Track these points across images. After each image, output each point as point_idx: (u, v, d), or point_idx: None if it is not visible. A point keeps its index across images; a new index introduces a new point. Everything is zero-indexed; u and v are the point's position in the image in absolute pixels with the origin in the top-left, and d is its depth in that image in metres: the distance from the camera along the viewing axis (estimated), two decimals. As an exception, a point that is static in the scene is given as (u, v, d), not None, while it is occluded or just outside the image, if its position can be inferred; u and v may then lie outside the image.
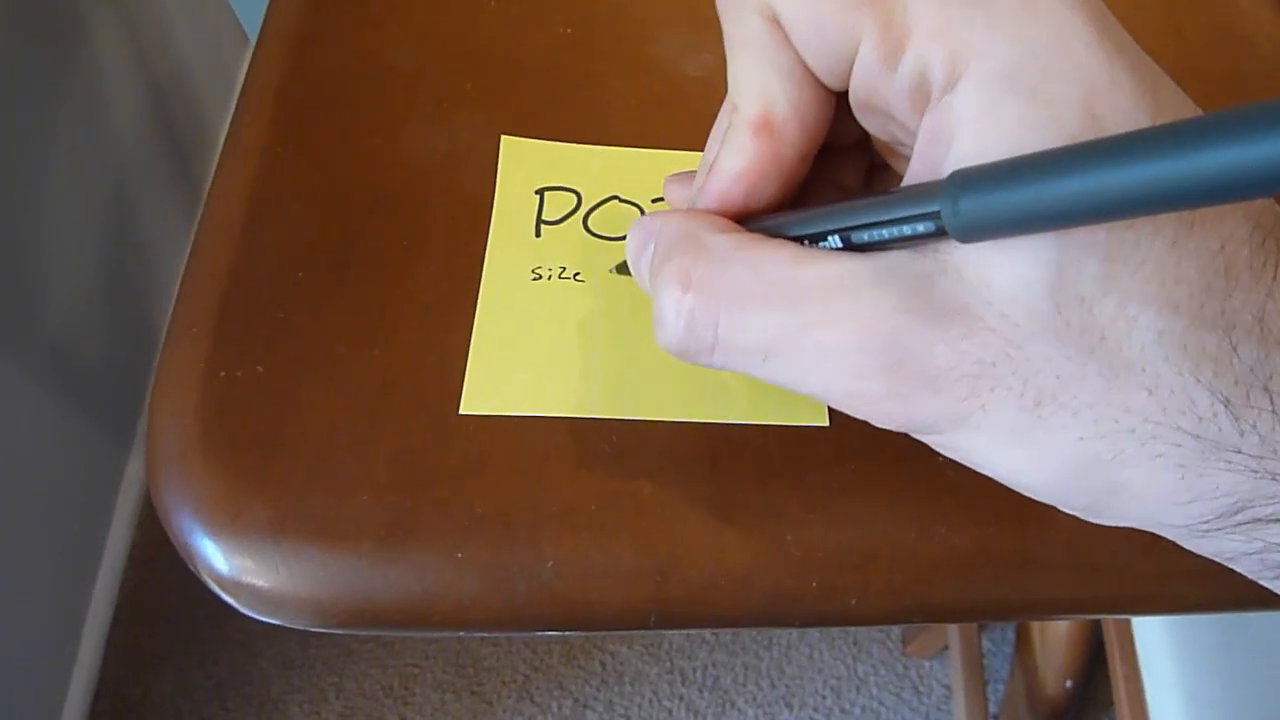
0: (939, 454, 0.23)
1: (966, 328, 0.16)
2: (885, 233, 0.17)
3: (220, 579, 0.24)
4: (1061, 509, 0.18)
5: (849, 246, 0.18)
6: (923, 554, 0.23)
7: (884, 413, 0.18)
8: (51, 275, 1.00)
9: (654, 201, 0.27)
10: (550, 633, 0.23)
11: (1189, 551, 0.22)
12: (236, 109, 0.31)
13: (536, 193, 0.28)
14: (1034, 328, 0.16)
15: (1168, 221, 0.15)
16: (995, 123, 0.16)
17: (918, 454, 0.24)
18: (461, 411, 0.24)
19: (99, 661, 1.05)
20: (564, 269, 0.26)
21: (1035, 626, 0.91)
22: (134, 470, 1.17)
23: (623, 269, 0.26)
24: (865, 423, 0.24)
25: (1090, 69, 0.15)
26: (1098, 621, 0.74)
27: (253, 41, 0.92)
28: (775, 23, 0.18)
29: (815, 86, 0.19)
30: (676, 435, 0.24)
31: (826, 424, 0.24)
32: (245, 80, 0.32)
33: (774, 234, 0.19)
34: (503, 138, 0.29)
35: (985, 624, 1.07)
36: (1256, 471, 0.16)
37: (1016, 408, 0.16)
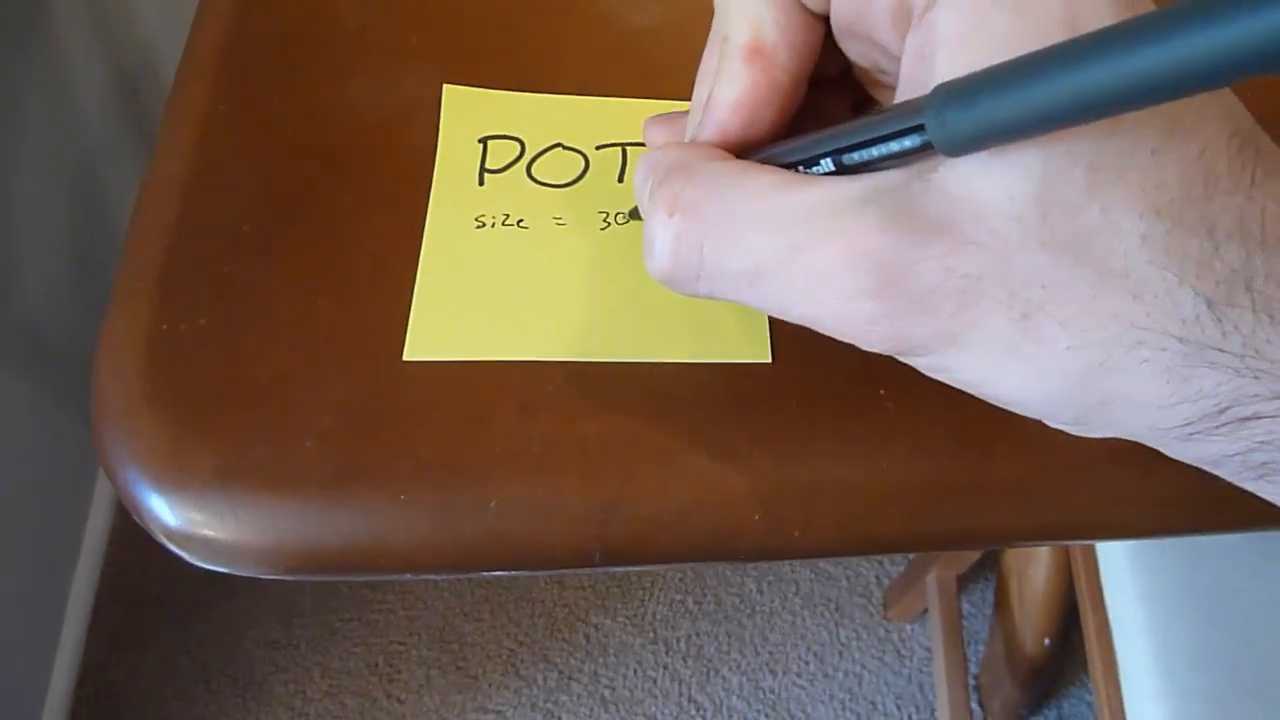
0: (880, 389, 0.23)
1: (953, 243, 0.16)
2: (875, 151, 0.17)
3: (169, 532, 0.24)
4: (1050, 424, 0.18)
5: (840, 170, 0.18)
6: (867, 487, 0.23)
7: (874, 335, 0.18)
8: (22, 260, 0.99)
9: (598, 148, 0.27)
10: (498, 572, 0.23)
11: (1129, 477, 0.23)
12: (180, 67, 0.31)
13: (479, 141, 0.27)
14: (1020, 238, 0.16)
15: (1149, 130, 0.15)
16: (978, 37, 0.16)
17: (860, 390, 0.24)
18: (405, 358, 0.24)
19: (81, 645, 1.05)
20: (507, 216, 0.26)
21: (1014, 588, 0.92)
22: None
23: (635, 214, 0.26)
24: (807, 360, 0.24)
25: None
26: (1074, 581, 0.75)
27: None
28: None
29: (802, 11, 0.19)
30: (621, 376, 0.24)
31: (769, 361, 0.24)
32: (189, 39, 0.32)
33: (768, 164, 0.19)
34: (445, 87, 0.29)
35: (964, 586, 1.08)
36: (1239, 371, 0.16)
37: (1005, 321, 0.16)
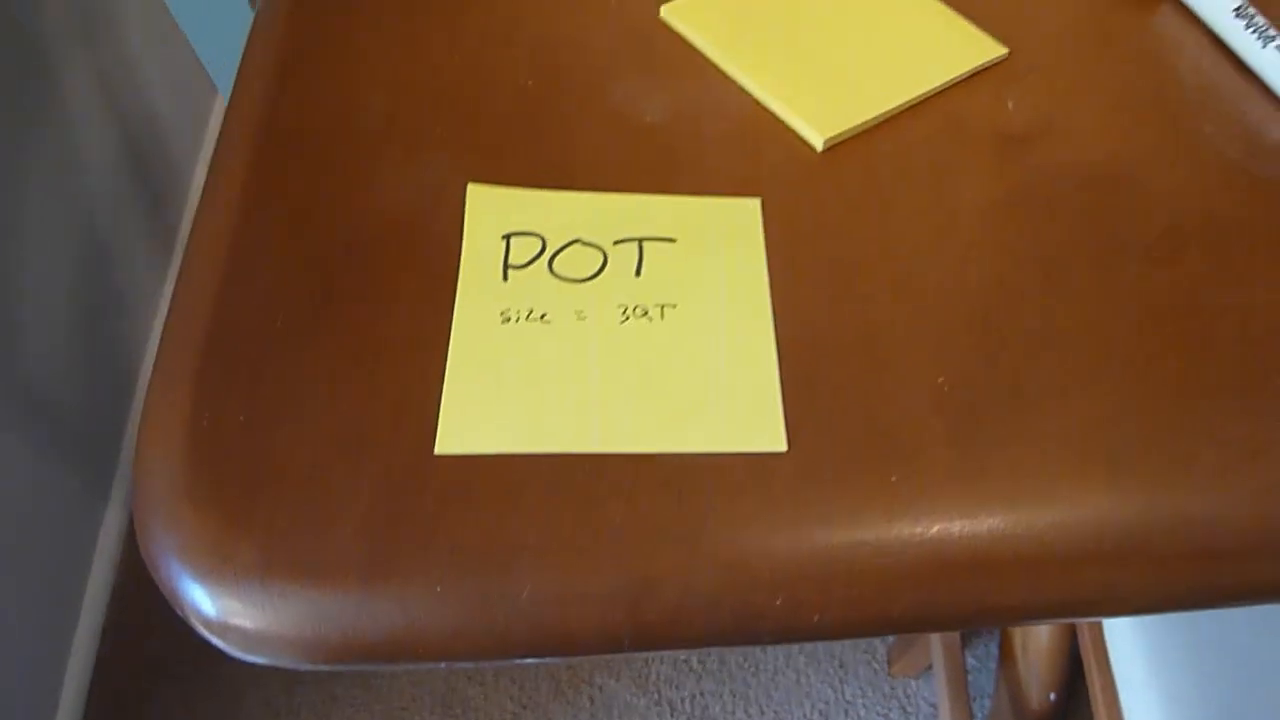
0: (891, 474, 0.25)
1: None
2: None
3: (208, 622, 0.25)
4: None
5: None
6: (880, 567, 0.24)
7: None
8: (27, 322, 1.00)
9: (615, 243, 0.29)
10: (530, 660, 0.24)
11: (1134, 556, 0.24)
12: (212, 162, 0.32)
13: (503, 238, 0.29)
14: None
15: None
16: None
17: (870, 474, 0.25)
18: (437, 452, 0.25)
19: (82, 706, 1.04)
20: (531, 311, 0.27)
21: (1018, 641, 0.92)
22: (114, 514, 1.17)
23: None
24: (820, 447, 0.25)
25: None
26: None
27: (219, 89, 0.93)
28: None
29: None
30: (644, 465, 0.25)
31: (784, 449, 0.25)
32: (220, 134, 0.33)
33: None
34: (469, 186, 0.30)
35: (969, 641, 1.08)
36: None
37: None
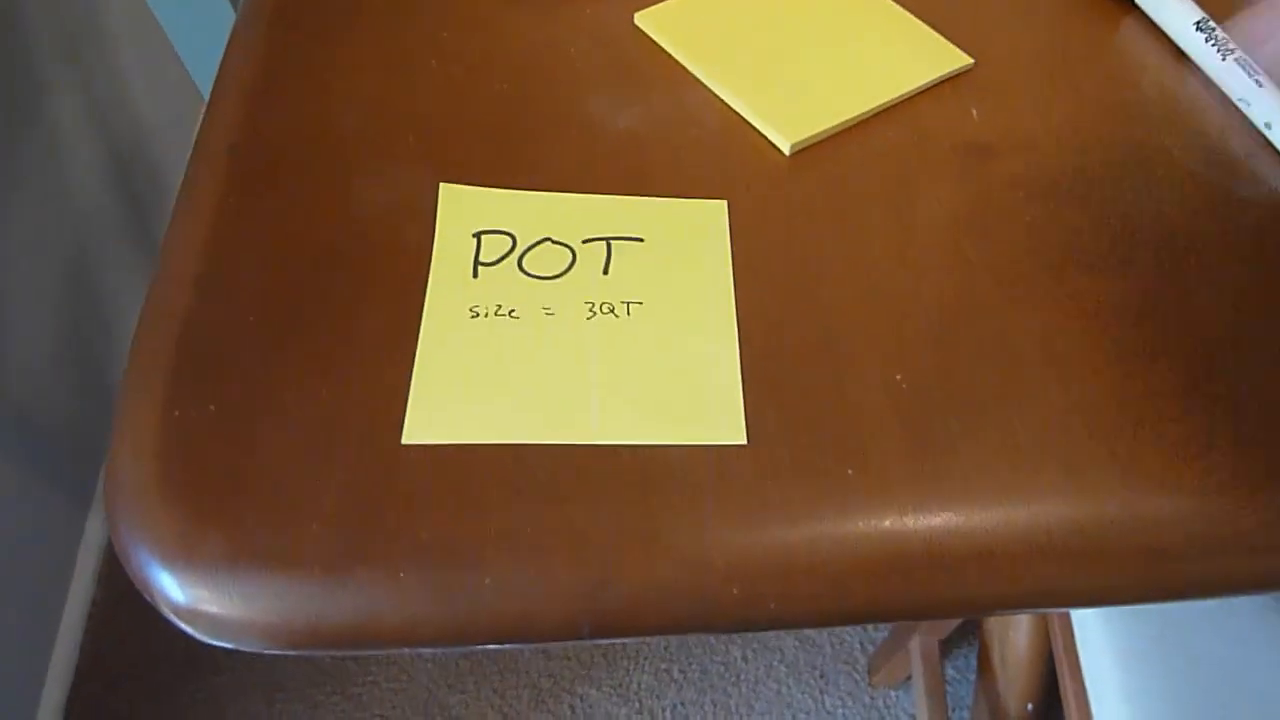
0: (848, 467, 0.25)
1: None
2: None
3: (177, 609, 0.25)
4: None
5: None
6: (836, 560, 0.24)
7: None
8: (10, 334, 1.00)
9: (584, 242, 0.29)
10: (492, 646, 0.24)
11: (1089, 547, 0.24)
12: (189, 165, 0.33)
13: (474, 236, 0.29)
14: None
15: None
16: None
17: (828, 469, 0.26)
18: (404, 441, 0.26)
19: (61, 718, 1.03)
20: (499, 306, 0.28)
21: (996, 653, 0.92)
22: (94, 528, 1.16)
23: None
24: (779, 442, 0.26)
25: None
26: (1050, 642, 0.76)
27: (206, 99, 0.94)
28: None
29: None
30: (608, 457, 0.26)
31: (745, 443, 0.26)
32: (198, 138, 0.34)
33: None
34: (441, 185, 0.31)
35: (948, 652, 1.08)
36: None
37: None
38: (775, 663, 1.06)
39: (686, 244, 0.30)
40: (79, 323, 1.14)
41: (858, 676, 1.06)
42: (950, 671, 1.07)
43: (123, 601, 1.14)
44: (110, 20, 1.23)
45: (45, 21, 1.08)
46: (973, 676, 1.03)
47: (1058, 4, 0.41)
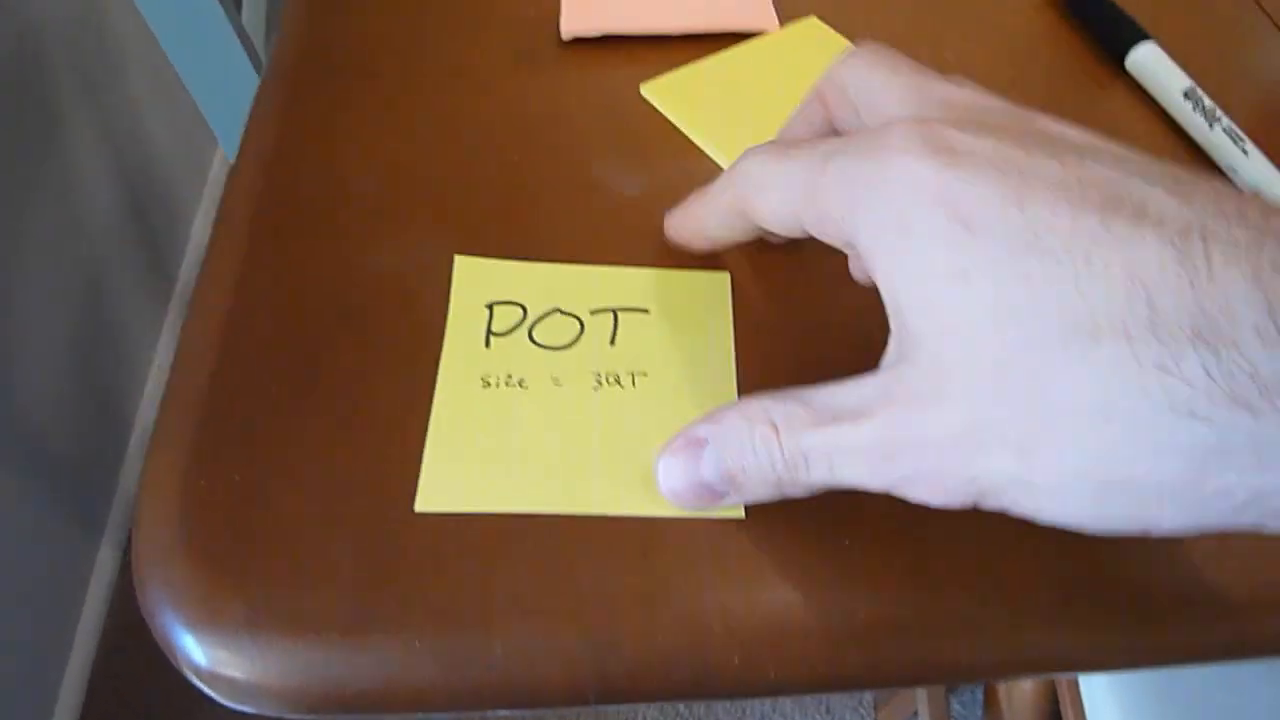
0: (845, 538, 0.26)
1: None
2: None
3: (199, 671, 0.26)
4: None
5: None
6: (832, 628, 0.25)
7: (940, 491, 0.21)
8: (23, 364, 1.02)
9: (592, 313, 0.31)
10: (503, 711, 0.25)
11: (1080, 613, 0.25)
12: (213, 232, 0.34)
13: (486, 306, 0.31)
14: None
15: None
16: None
17: (824, 538, 0.27)
18: (416, 509, 0.27)
19: (69, 757, 1.04)
20: (510, 376, 0.29)
21: (1001, 689, 0.92)
22: (105, 558, 1.17)
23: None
24: (777, 513, 0.27)
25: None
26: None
27: (220, 141, 0.96)
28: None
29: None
30: (611, 527, 0.27)
31: (743, 516, 0.27)
32: (221, 205, 0.35)
33: None
34: (456, 258, 0.32)
35: (954, 688, 1.09)
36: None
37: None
38: (782, 697, 1.07)
39: (690, 315, 0.31)
40: (92, 354, 1.15)
41: (864, 712, 1.06)
42: (957, 708, 1.07)
43: (133, 631, 1.15)
44: (127, 58, 1.26)
45: (63, 55, 1.10)
46: (979, 712, 1.03)
47: (1046, 68, 0.42)
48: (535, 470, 0.27)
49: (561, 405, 0.29)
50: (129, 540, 1.20)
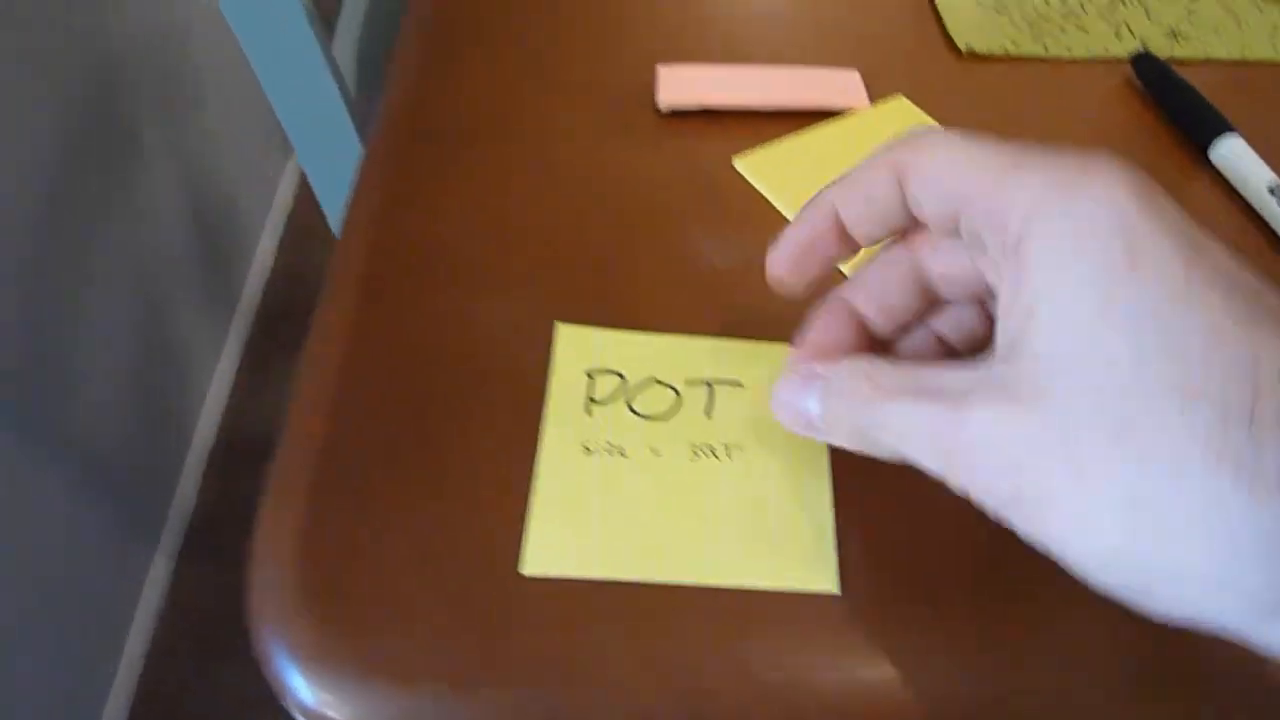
0: (938, 614, 0.27)
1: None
2: None
3: (306, 711, 0.28)
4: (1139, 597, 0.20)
5: None
6: (926, 706, 0.26)
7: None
8: (90, 376, 1.04)
9: (687, 383, 0.32)
10: (594, 771, 0.27)
11: (1167, 696, 0.26)
12: (323, 294, 0.36)
13: (587, 374, 0.32)
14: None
15: None
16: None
17: (918, 615, 0.28)
18: (525, 573, 0.28)
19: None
20: (609, 444, 0.30)
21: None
22: (158, 568, 1.20)
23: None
24: (870, 588, 0.28)
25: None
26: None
27: (294, 156, 0.99)
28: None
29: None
30: (709, 597, 0.28)
31: (838, 592, 0.28)
32: (330, 267, 0.37)
33: None
34: (558, 325, 0.34)
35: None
36: None
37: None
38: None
39: None
40: (154, 368, 1.18)
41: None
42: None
43: (183, 638, 1.17)
44: (203, 82, 1.30)
45: (142, 82, 1.14)
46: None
47: (1129, 157, 0.43)
48: (637, 539, 0.29)
49: (661, 475, 0.30)
50: (182, 548, 1.23)
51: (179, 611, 1.18)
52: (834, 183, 0.27)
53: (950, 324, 0.28)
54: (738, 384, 0.32)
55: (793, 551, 0.28)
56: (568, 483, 0.30)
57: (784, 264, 0.29)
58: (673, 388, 0.32)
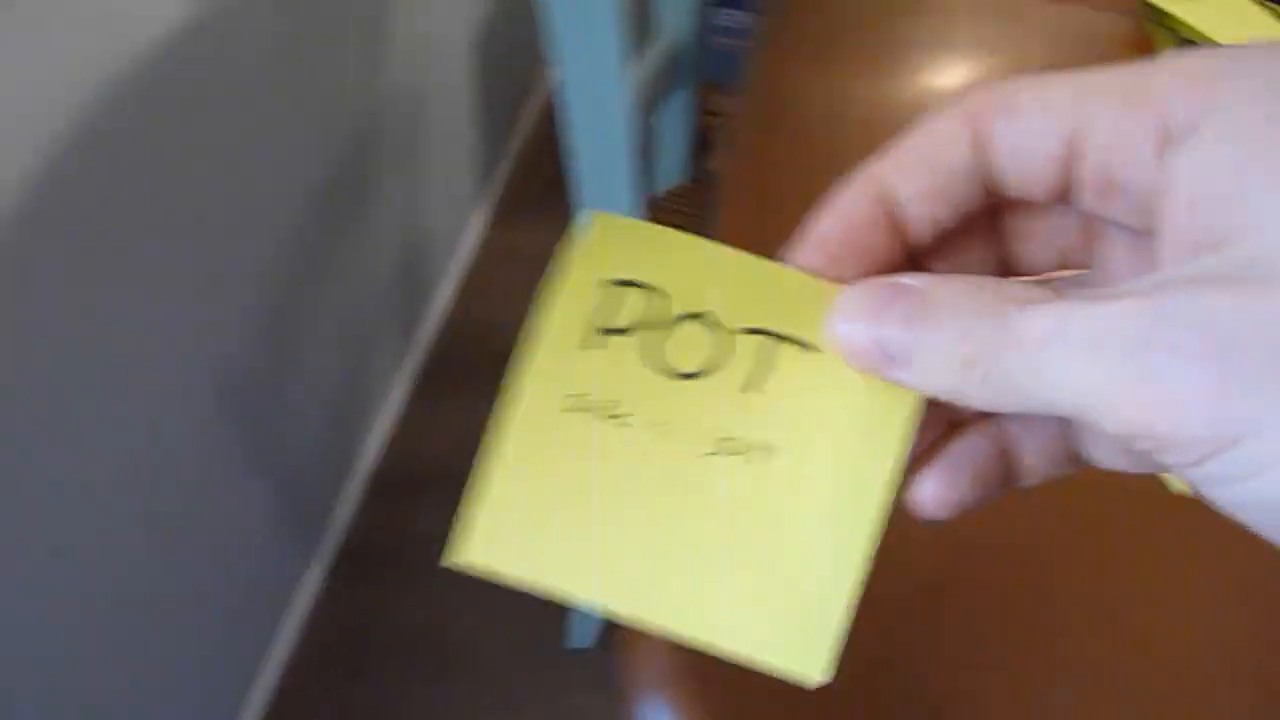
0: None
1: None
2: None
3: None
4: None
5: None
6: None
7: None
8: (285, 396, 1.08)
9: (741, 329, 0.21)
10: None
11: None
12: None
13: (603, 285, 0.21)
14: None
15: None
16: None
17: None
18: (456, 559, 0.20)
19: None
20: (605, 401, 0.20)
21: None
22: (311, 578, 1.20)
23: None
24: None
25: None
26: None
27: (479, 210, 1.02)
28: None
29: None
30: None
31: (819, 680, 0.19)
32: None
33: None
34: (595, 215, 0.22)
35: None
36: None
37: None
38: None
39: (855, 398, 0.20)
40: (333, 394, 1.21)
41: None
42: None
43: (324, 647, 1.17)
44: (428, 134, 1.35)
45: (379, 136, 1.20)
46: None
47: None
48: (603, 550, 0.20)
49: (659, 466, 0.20)
50: (334, 562, 1.23)
51: (325, 621, 1.18)
52: (876, 156, 0.20)
53: (1037, 235, 0.21)
54: (808, 346, 0.21)
55: (787, 619, 0.19)
56: (538, 449, 0.20)
57: (810, 268, 0.21)
58: (722, 328, 0.21)
